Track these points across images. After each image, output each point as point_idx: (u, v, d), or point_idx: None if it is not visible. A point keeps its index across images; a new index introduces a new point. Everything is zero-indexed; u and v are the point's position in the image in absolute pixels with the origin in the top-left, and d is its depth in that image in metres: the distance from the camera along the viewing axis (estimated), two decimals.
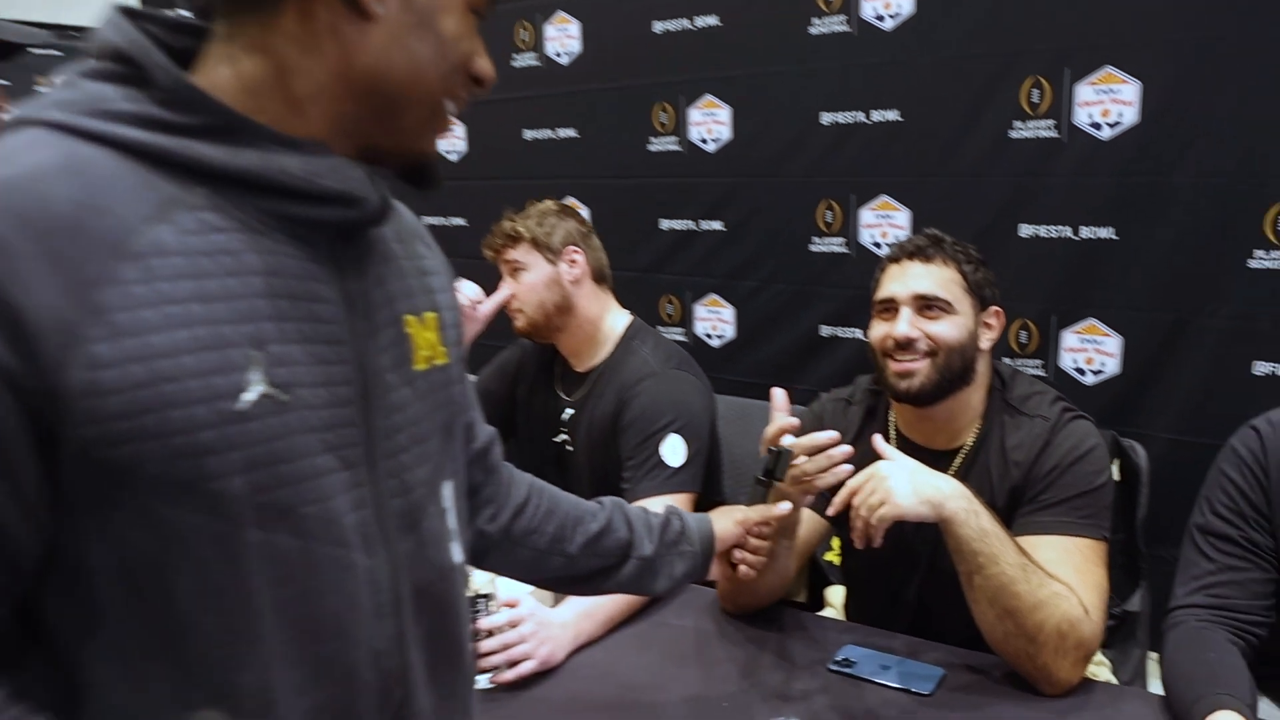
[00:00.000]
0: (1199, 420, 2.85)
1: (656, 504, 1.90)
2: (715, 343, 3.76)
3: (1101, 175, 2.91)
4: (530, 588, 1.77)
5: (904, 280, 2.06)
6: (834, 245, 3.39)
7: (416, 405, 1.10)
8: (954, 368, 2.02)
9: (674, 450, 2.42)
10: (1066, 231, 2.98)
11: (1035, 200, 3.00)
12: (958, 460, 2.07)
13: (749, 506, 1.85)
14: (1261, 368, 2.76)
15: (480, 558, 1.56)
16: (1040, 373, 3.08)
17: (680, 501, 2.37)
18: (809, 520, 2.14)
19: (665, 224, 3.74)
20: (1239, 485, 1.86)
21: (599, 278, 2.63)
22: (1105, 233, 2.92)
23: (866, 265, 2.92)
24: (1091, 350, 3.01)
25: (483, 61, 1.07)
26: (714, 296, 3.72)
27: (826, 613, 2.54)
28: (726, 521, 1.82)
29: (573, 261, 2.57)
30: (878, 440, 1.92)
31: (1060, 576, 1.82)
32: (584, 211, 3.22)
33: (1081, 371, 3.04)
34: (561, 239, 2.57)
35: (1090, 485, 1.95)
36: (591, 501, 1.69)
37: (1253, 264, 2.75)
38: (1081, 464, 1.96)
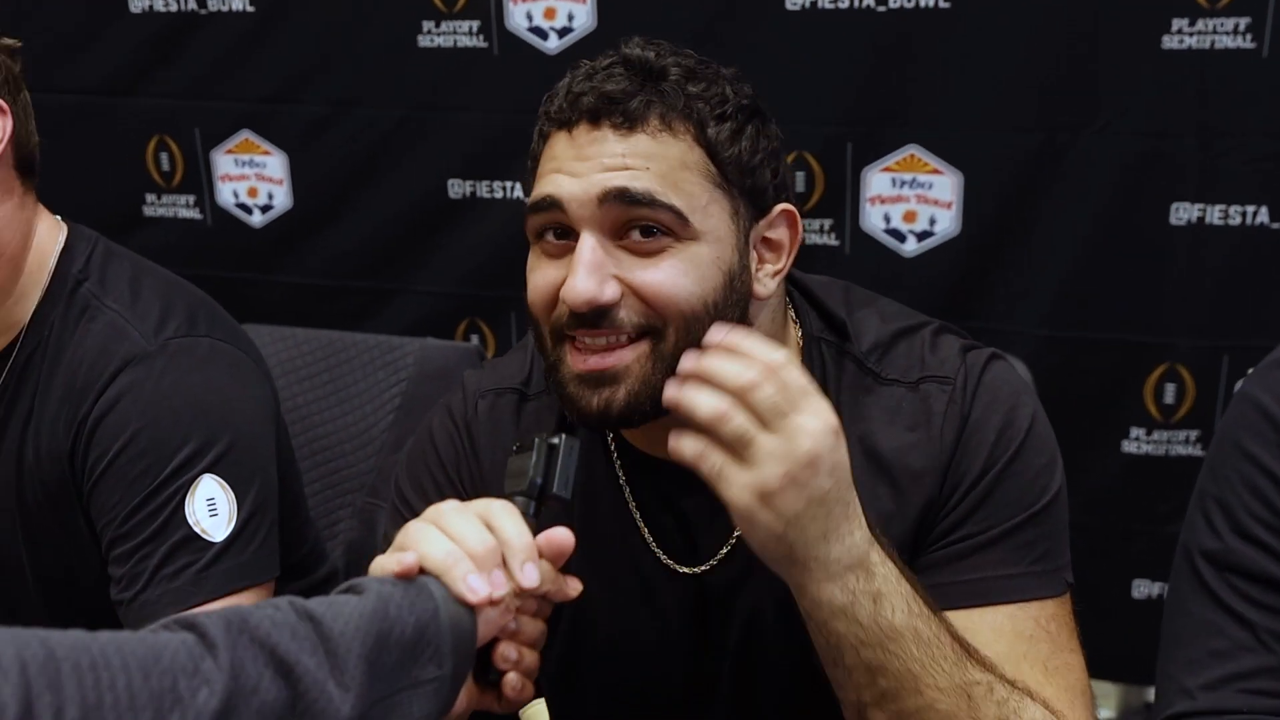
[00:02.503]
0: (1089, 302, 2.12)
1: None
2: (256, 219, 2.55)
3: None
4: None
5: (583, 168, 1.10)
6: (461, 31, 2.30)
7: None
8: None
9: (213, 506, 1.37)
10: None
11: None
12: None
13: None
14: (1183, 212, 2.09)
15: None
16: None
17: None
18: None
19: (136, 1, 2.46)
20: (1277, 475, 1.12)
21: (25, 165, 1.43)
22: None
23: (524, 65, 2.23)
24: (912, 197, 2.16)
25: None
26: (247, 135, 2.48)
27: None
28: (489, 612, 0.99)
29: None
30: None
31: (1023, 683, 1.09)
32: None
33: (899, 235, 2.19)
34: None
35: (1044, 494, 1.16)
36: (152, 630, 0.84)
37: None
38: (1023, 457, 1.16)
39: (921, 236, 2.19)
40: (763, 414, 1.00)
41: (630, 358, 1.09)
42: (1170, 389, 2.13)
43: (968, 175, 2.13)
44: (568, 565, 1.23)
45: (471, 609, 0.95)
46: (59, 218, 1.49)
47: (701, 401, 1.01)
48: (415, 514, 1.24)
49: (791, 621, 1.09)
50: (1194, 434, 2.14)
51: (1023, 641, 1.13)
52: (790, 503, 1.01)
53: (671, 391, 1.04)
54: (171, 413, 1.36)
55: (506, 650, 1.01)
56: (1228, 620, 1.15)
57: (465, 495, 1.25)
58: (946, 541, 1.16)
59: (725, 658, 1.23)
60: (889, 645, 1.03)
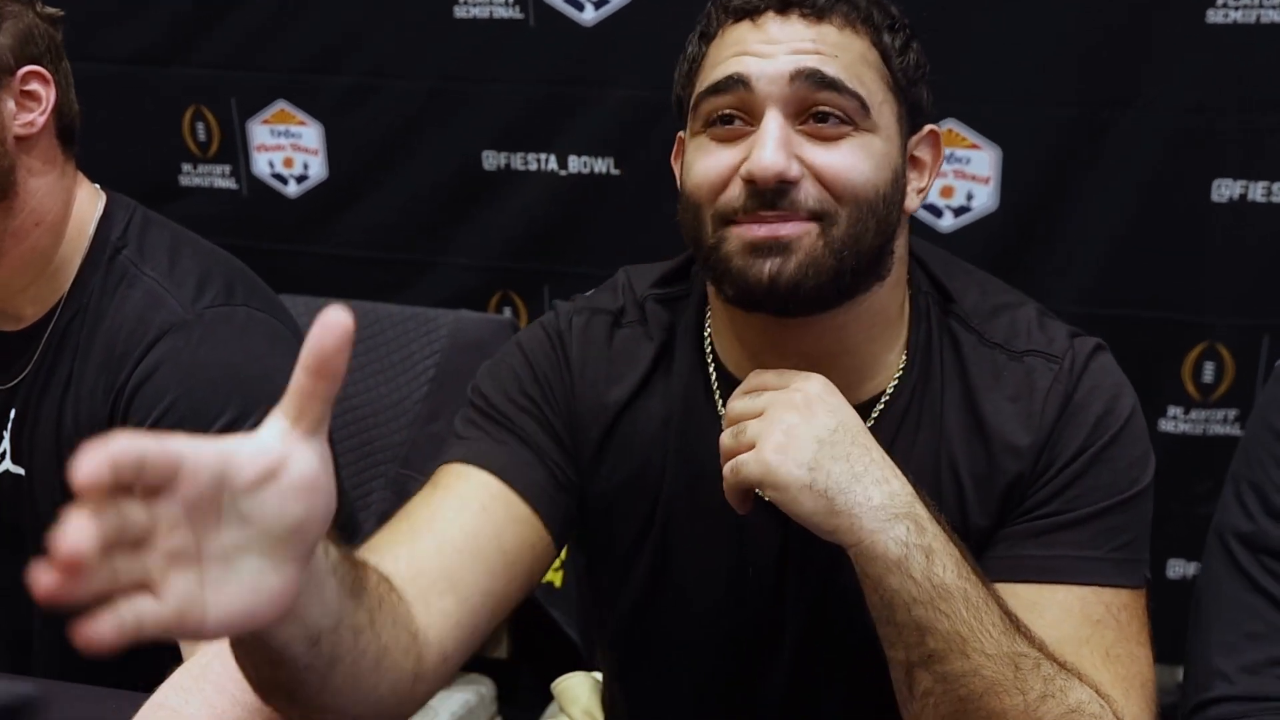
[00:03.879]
0: (1127, 279, 2.10)
1: None
2: (291, 189, 2.51)
3: None
4: None
5: (771, 49, 1.11)
6: (497, 2, 2.30)
7: None
8: (864, 245, 1.11)
9: None
10: None
11: None
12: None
13: None
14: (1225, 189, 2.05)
15: None
16: None
17: None
18: (514, 520, 1.16)
19: None
20: None
21: (67, 134, 1.43)
22: None
23: (559, 37, 2.20)
24: (949, 172, 2.15)
25: None
26: (282, 105, 2.46)
27: None
28: None
29: (28, 97, 1.38)
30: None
31: (1079, 667, 1.07)
32: None
33: (935, 210, 2.18)
34: (15, 45, 1.37)
35: (1135, 485, 1.17)
36: None
37: None
38: (1120, 444, 1.16)
39: (958, 212, 2.15)
40: (755, 413, 1.09)
41: (803, 230, 1.09)
42: (1209, 368, 2.10)
43: (1006, 150, 2.09)
44: (665, 480, 1.24)
45: None
46: (97, 186, 1.49)
47: (725, 439, 1.11)
48: (498, 413, 1.22)
49: None
50: (1232, 413, 2.11)
51: (1088, 625, 1.12)
52: (802, 446, 1.05)
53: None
54: (208, 382, 1.35)
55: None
56: (1263, 602, 1.15)
57: (554, 401, 1.23)
58: (1032, 516, 1.16)
59: (800, 605, 1.22)
60: (939, 604, 1.03)
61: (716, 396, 1.23)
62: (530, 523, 1.16)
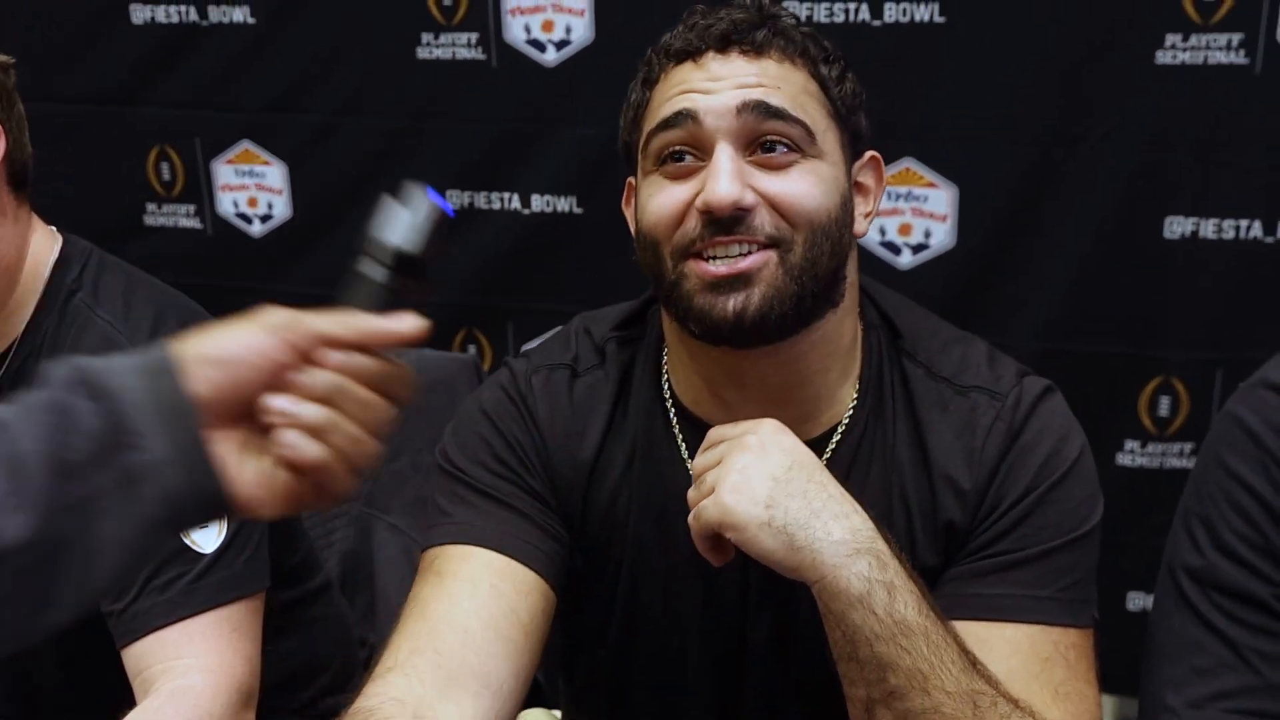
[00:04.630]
0: (1083, 315, 2.12)
1: (181, 639, 1.29)
2: (256, 229, 2.52)
3: None
4: None
5: (716, 86, 1.14)
6: (460, 43, 2.30)
7: None
8: (820, 268, 1.13)
9: None
10: None
11: None
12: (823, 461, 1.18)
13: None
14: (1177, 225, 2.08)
15: None
16: None
17: (238, 618, 1.34)
18: (525, 592, 1.17)
19: (138, 12, 2.44)
20: (1260, 493, 1.12)
21: (18, 179, 1.41)
22: None
23: (521, 77, 2.24)
24: (908, 210, 2.17)
25: None
26: (247, 145, 2.48)
27: None
28: (244, 335, 0.84)
29: None
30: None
31: (1030, 704, 1.06)
32: None
33: (894, 248, 2.19)
34: None
35: (1083, 525, 1.16)
36: None
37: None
38: (1068, 485, 1.17)
39: (916, 249, 2.17)
40: (715, 464, 1.10)
41: (761, 262, 1.10)
42: (1165, 402, 2.12)
43: (963, 188, 2.12)
44: (630, 520, 1.24)
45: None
46: (54, 229, 1.47)
47: (690, 494, 1.13)
48: (480, 484, 1.23)
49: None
50: (1188, 447, 2.13)
51: (1037, 662, 1.12)
52: (756, 485, 1.06)
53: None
54: None
55: (286, 422, 0.83)
56: (1210, 637, 1.14)
57: (530, 464, 1.24)
58: (980, 555, 1.16)
59: (760, 648, 1.23)
60: (901, 640, 1.03)
61: (676, 434, 1.24)
62: (539, 588, 1.17)
